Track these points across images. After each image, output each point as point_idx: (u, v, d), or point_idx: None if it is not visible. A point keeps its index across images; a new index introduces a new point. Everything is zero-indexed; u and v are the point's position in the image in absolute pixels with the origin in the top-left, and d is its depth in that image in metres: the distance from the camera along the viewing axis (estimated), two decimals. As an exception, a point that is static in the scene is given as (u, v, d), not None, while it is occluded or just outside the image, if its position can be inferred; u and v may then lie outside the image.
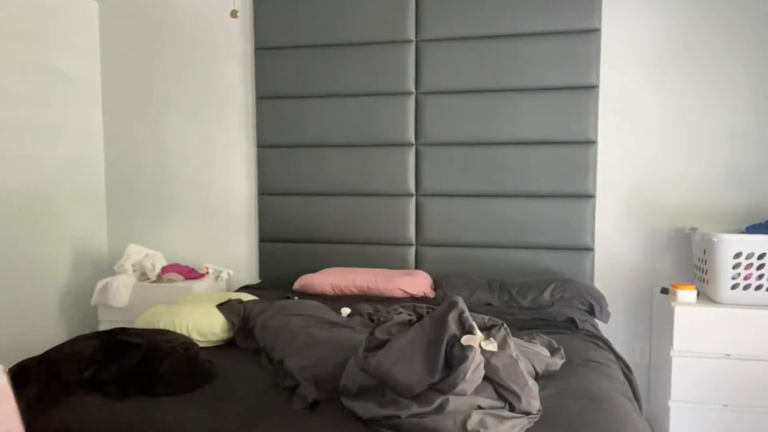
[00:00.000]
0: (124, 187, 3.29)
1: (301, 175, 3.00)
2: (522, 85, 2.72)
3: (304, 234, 3.02)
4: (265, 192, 3.07)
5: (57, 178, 2.93)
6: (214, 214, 3.19)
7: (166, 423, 1.33)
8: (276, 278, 3.07)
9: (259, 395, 1.46)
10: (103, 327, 2.84)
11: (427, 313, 1.39)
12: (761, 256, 2.31)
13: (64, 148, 3.00)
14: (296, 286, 2.69)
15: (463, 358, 1.17)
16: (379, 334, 1.34)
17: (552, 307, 2.35)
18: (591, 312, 2.39)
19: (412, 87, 2.85)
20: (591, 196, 2.69)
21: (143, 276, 2.97)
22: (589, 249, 2.71)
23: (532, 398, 1.25)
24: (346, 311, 2.18)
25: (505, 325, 1.34)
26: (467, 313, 1.27)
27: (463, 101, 2.78)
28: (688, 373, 2.37)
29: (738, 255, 2.31)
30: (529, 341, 1.66)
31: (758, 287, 2.33)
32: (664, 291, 2.53)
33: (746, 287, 2.34)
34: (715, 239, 2.33)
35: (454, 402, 1.17)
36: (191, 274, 2.97)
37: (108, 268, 3.32)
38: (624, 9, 2.70)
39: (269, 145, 3.04)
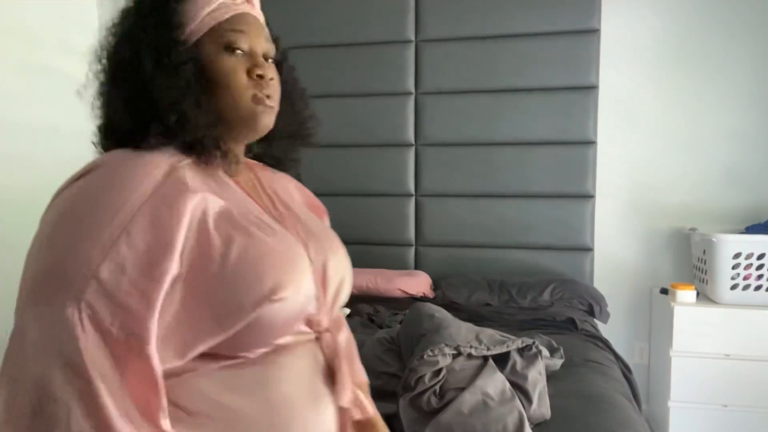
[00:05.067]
0: (124, 188, 3.28)
1: (299, 176, 3.00)
2: (522, 85, 2.72)
3: (303, 234, 3.02)
4: (265, 192, 3.06)
5: (56, 178, 2.92)
6: (213, 214, 3.18)
7: (165, 423, 1.33)
8: (276, 278, 3.07)
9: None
10: (102, 327, 2.84)
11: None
12: (761, 257, 2.31)
13: (64, 148, 2.99)
14: (296, 286, 2.69)
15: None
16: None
17: (551, 307, 2.35)
18: (590, 312, 2.39)
19: (411, 87, 2.85)
20: (591, 197, 2.69)
21: (143, 276, 2.96)
22: (589, 249, 2.71)
23: (543, 404, 1.28)
24: (345, 311, 2.18)
25: (537, 344, 1.41)
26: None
27: (463, 101, 2.78)
28: (687, 374, 2.37)
29: (737, 255, 2.31)
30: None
31: (758, 287, 2.33)
32: (664, 291, 2.53)
33: (746, 287, 2.34)
34: (714, 239, 2.33)
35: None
36: (191, 274, 2.96)
37: (108, 268, 3.32)
38: (623, 9, 2.70)
39: (269, 146, 3.04)
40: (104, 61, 0.82)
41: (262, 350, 0.73)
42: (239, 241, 0.71)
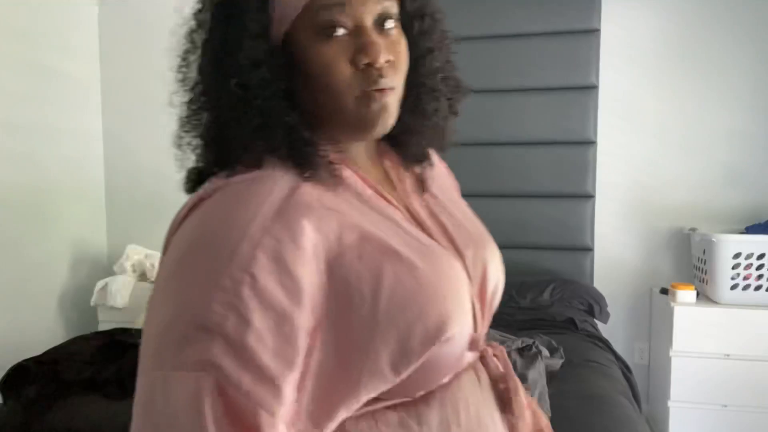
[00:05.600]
0: (124, 187, 3.28)
1: (300, 176, 2.99)
2: (522, 85, 2.71)
3: (303, 234, 3.01)
4: (265, 192, 3.06)
5: (56, 178, 2.93)
6: (213, 214, 3.18)
7: (165, 423, 1.33)
8: (276, 278, 3.06)
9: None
10: (102, 327, 2.83)
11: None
12: (761, 257, 2.31)
13: (64, 148, 3.00)
14: (296, 286, 2.68)
15: None
16: None
17: (551, 307, 2.35)
18: (590, 312, 2.39)
19: (411, 87, 2.84)
20: (591, 197, 2.69)
21: (143, 276, 2.96)
22: (589, 249, 2.71)
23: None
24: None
25: (537, 344, 1.38)
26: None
27: (463, 101, 2.77)
28: (687, 374, 2.36)
29: (737, 255, 2.31)
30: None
31: (758, 287, 2.32)
32: (664, 291, 2.53)
33: (746, 287, 2.34)
34: (714, 239, 2.33)
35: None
36: (191, 274, 2.96)
37: (107, 268, 3.32)
38: (623, 9, 2.70)
39: (269, 146, 3.03)
40: (187, 70, 0.70)
41: (425, 391, 0.61)
42: (390, 269, 0.57)
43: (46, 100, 2.87)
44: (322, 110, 0.63)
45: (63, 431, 1.39)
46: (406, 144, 0.73)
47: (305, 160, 0.61)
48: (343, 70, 0.60)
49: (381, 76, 0.60)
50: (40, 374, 1.61)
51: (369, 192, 0.65)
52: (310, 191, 0.59)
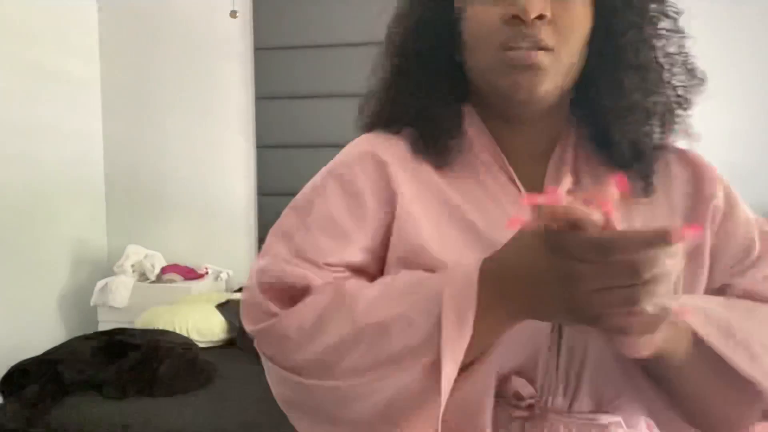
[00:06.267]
0: (124, 188, 3.28)
1: (300, 176, 2.97)
2: (522, 85, 2.71)
3: (303, 234, 3.01)
4: (265, 192, 3.07)
5: (56, 178, 2.93)
6: (213, 214, 3.18)
7: (165, 423, 1.33)
8: (276, 278, 3.06)
9: (259, 395, 1.46)
10: (102, 328, 2.83)
11: None
12: (761, 257, 2.31)
13: (64, 149, 3.00)
14: (296, 286, 2.68)
15: None
16: None
17: (552, 307, 2.35)
18: (591, 312, 2.38)
19: (411, 87, 2.84)
20: (591, 197, 2.69)
21: (143, 276, 2.97)
22: (589, 249, 2.70)
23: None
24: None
25: None
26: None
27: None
28: (687, 374, 2.36)
29: (738, 255, 2.31)
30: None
31: (758, 287, 2.32)
32: (664, 291, 2.53)
33: (746, 287, 2.34)
34: (714, 239, 2.33)
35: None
36: (190, 274, 2.96)
37: (107, 268, 3.32)
38: (623, 9, 2.70)
39: (269, 146, 3.04)
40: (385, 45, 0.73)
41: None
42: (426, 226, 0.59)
43: (46, 100, 2.88)
44: (477, 82, 0.61)
45: (63, 431, 1.39)
46: (610, 138, 0.64)
47: (419, 131, 0.63)
48: (488, 23, 0.56)
49: (532, 28, 0.54)
50: (40, 374, 1.61)
51: (489, 182, 0.61)
52: (396, 149, 0.63)
